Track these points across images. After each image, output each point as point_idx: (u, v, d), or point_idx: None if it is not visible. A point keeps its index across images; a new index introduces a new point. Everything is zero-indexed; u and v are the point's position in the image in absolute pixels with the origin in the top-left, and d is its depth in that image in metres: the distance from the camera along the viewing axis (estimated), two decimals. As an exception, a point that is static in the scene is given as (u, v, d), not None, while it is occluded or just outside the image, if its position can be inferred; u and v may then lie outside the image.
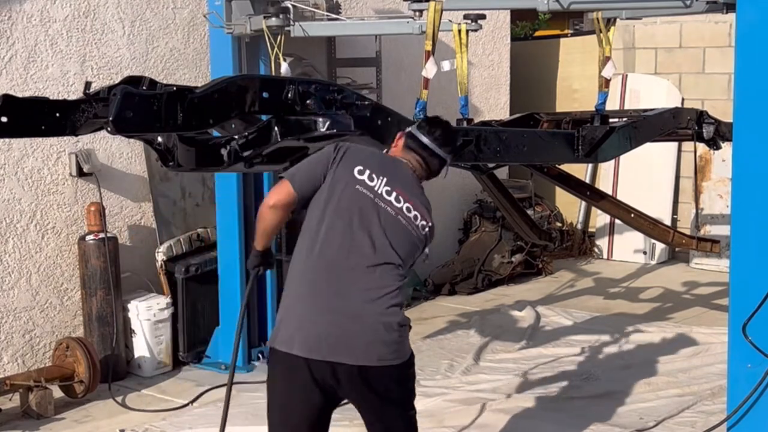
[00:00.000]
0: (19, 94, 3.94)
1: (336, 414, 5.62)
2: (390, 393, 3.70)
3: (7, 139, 5.82)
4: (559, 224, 9.71)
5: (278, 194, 3.67)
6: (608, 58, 5.74)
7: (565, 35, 11.66)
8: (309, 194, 3.68)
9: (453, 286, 8.58)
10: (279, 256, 6.92)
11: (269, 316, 6.69)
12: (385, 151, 3.96)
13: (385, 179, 3.70)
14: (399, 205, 3.70)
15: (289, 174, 3.73)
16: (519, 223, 6.43)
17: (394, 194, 3.70)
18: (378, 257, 3.63)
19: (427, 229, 3.77)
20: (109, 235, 6.27)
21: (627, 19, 6.12)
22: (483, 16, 5.25)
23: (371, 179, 3.69)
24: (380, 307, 3.61)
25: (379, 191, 3.69)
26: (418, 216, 3.73)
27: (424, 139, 3.83)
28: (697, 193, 9.16)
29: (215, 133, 4.41)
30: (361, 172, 3.69)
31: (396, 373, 3.67)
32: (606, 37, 5.71)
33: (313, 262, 3.64)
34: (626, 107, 9.39)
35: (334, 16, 6.25)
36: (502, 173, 8.77)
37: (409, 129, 3.91)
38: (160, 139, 4.06)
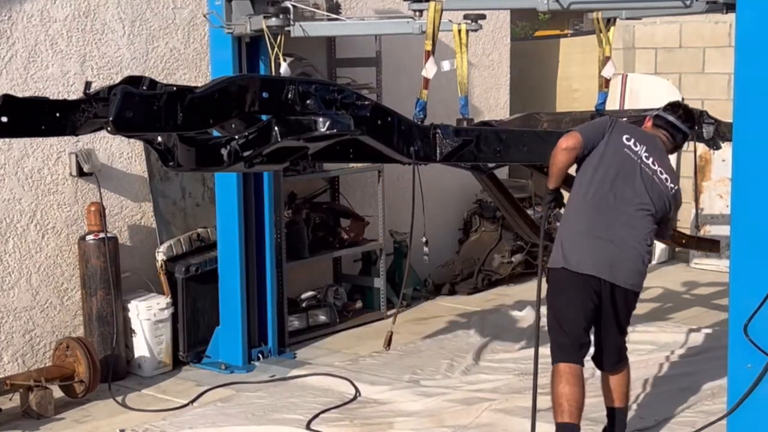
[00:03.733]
0: (19, 94, 3.94)
1: (336, 414, 5.64)
2: (621, 313, 4.76)
3: (7, 139, 5.83)
4: (559, 224, 9.70)
5: (572, 139, 4.68)
6: (608, 58, 5.74)
7: (565, 35, 11.66)
8: (590, 147, 4.70)
9: (453, 286, 8.58)
10: (279, 256, 6.94)
11: (269, 316, 6.70)
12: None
13: (645, 147, 4.73)
14: (655, 168, 4.73)
15: (578, 129, 4.80)
16: (519, 223, 6.42)
17: (651, 159, 4.74)
18: (638, 204, 4.68)
19: (674, 189, 4.80)
20: (109, 235, 6.27)
21: (627, 19, 6.13)
22: (483, 16, 5.25)
23: (635, 146, 4.72)
24: (639, 243, 4.68)
25: (641, 155, 4.71)
26: (668, 179, 4.78)
27: (671, 118, 4.91)
28: (697, 193, 9.16)
29: (215, 133, 4.41)
30: (628, 140, 4.72)
31: (632, 298, 4.77)
32: (606, 37, 5.72)
33: (587, 203, 4.70)
34: (626, 107, 9.38)
35: (334, 16, 6.25)
36: (502, 173, 8.76)
37: (656, 112, 4.96)
38: (160, 138, 4.06)
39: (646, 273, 4.81)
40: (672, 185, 4.80)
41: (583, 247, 4.68)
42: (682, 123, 4.92)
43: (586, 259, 4.65)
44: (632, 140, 4.74)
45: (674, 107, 5.00)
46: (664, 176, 4.78)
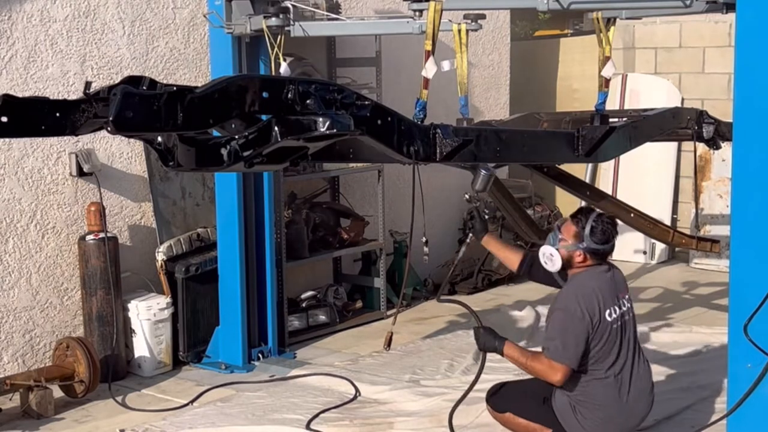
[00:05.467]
0: (19, 94, 3.94)
1: (336, 414, 5.63)
2: None
3: (7, 139, 5.83)
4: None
5: (561, 374, 4.55)
6: (608, 58, 5.73)
7: (565, 35, 11.66)
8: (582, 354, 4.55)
9: (453, 286, 8.58)
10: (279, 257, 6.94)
11: (269, 316, 6.70)
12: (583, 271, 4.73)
13: (614, 299, 4.65)
14: (628, 305, 4.73)
15: (561, 352, 4.53)
16: (519, 223, 6.42)
17: (622, 301, 4.70)
18: (639, 359, 4.71)
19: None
20: (109, 235, 6.27)
21: (627, 19, 6.12)
22: (483, 16, 5.24)
23: (614, 311, 4.62)
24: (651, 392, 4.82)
25: (621, 310, 4.66)
26: (624, 293, 4.78)
27: (599, 248, 4.67)
28: (697, 193, 9.16)
29: (215, 133, 4.41)
30: (609, 314, 4.59)
31: None
32: (606, 37, 5.71)
33: (623, 403, 4.65)
34: (626, 107, 9.39)
35: (334, 16, 6.25)
36: (502, 173, 8.77)
37: (584, 246, 4.66)
38: (160, 138, 4.06)
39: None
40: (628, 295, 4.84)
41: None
42: (611, 241, 4.72)
43: None
44: (608, 309, 4.61)
45: (594, 232, 4.68)
46: (625, 298, 4.79)
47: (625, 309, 4.70)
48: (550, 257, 4.72)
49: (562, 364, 4.53)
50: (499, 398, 4.98)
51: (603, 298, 4.62)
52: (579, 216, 4.75)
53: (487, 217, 5.28)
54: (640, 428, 5.27)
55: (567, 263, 4.72)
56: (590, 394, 4.64)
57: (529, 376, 4.88)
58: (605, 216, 4.78)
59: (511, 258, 5.26)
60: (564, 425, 4.73)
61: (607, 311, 4.60)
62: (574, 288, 4.68)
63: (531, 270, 5.19)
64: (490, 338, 4.74)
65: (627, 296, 4.79)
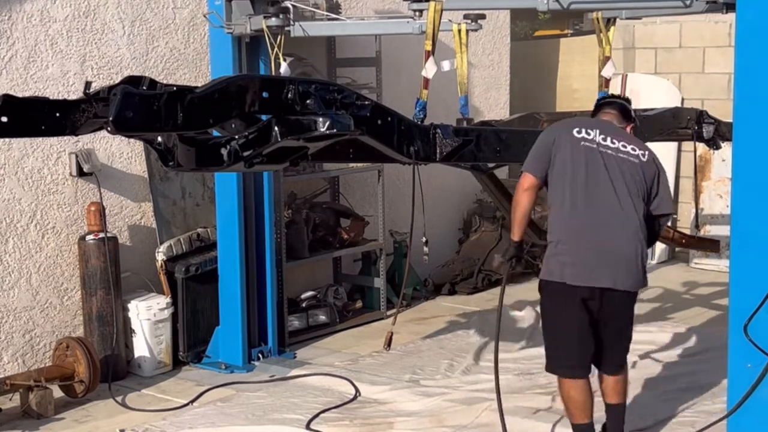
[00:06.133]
0: (19, 94, 3.95)
1: (336, 414, 5.63)
2: (622, 316, 4.78)
3: (7, 139, 5.83)
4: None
5: (526, 179, 4.62)
6: (608, 58, 5.74)
7: (565, 35, 11.66)
8: (546, 168, 4.60)
9: (453, 286, 8.58)
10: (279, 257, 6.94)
11: (269, 316, 6.70)
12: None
13: (597, 131, 4.62)
14: (615, 144, 4.59)
15: (526, 162, 4.66)
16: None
17: (608, 138, 4.60)
18: (616, 195, 4.53)
19: (645, 155, 4.64)
20: (109, 235, 6.27)
21: (627, 19, 6.12)
22: (483, 16, 5.25)
23: (588, 134, 4.59)
24: (630, 239, 4.55)
25: (597, 140, 4.58)
26: (635, 148, 4.64)
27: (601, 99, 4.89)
28: (697, 193, 9.15)
29: (215, 133, 4.41)
30: (578, 132, 4.59)
31: (632, 299, 4.73)
32: (606, 37, 5.72)
33: (568, 213, 4.56)
34: (626, 107, 9.38)
35: (334, 16, 6.25)
36: (502, 173, 8.76)
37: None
38: (160, 138, 4.06)
39: (645, 267, 4.69)
40: (641, 152, 4.64)
41: (576, 260, 4.54)
42: (616, 98, 4.95)
43: (581, 272, 4.53)
44: (583, 130, 4.61)
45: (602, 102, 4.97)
46: (629, 148, 4.63)
47: (611, 145, 4.59)
48: None
49: (524, 171, 4.65)
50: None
51: (577, 123, 4.76)
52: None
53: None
54: (640, 428, 5.29)
55: None
56: (554, 227, 4.65)
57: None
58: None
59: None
60: (548, 278, 4.65)
61: (576, 129, 4.63)
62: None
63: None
64: (504, 253, 4.89)
65: (623, 143, 4.64)
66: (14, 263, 6.13)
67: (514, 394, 5.82)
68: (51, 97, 4.97)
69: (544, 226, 8.95)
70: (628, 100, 4.99)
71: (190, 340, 6.64)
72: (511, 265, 4.79)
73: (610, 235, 4.54)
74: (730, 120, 3.92)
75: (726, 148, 6.09)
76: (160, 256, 6.54)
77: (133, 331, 6.42)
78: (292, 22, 5.85)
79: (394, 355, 6.65)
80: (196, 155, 4.10)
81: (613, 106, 4.85)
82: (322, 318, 7.42)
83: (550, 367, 4.80)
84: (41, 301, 6.26)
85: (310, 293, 7.53)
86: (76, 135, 3.89)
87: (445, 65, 5.29)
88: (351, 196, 8.11)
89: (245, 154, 4.15)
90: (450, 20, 5.18)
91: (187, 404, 5.91)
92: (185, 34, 6.97)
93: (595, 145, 4.57)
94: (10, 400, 5.71)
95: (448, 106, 6.61)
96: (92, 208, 6.26)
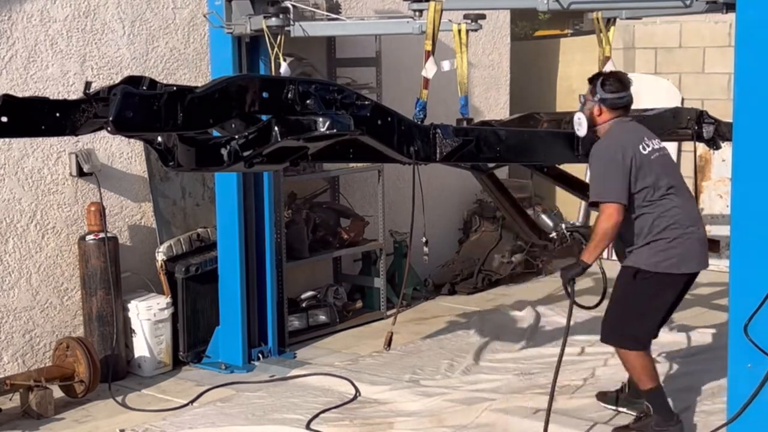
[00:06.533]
0: (19, 94, 3.95)
1: (336, 414, 5.63)
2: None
3: (7, 139, 5.83)
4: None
5: (615, 212, 4.83)
6: (608, 58, 5.74)
7: (565, 35, 11.66)
8: (629, 190, 4.87)
9: (453, 286, 8.58)
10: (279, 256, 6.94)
11: (269, 316, 6.70)
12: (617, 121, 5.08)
13: (645, 137, 5.02)
14: (659, 146, 5.04)
15: (607, 191, 4.86)
16: (519, 223, 6.42)
17: (654, 141, 5.03)
18: (684, 186, 5.09)
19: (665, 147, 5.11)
20: (109, 235, 6.27)
21: (627, 19, 6.13)
22: (483, 16, 5.25)
23: (648, 145, 4.97)
24: (702, 223, 5.16)
25: (654, 147, 4.99)
26: (660, 141, 5.11)
27: (610, 96, 5.06)
28: (697, 193, 9.15)
29: (215, 133, 4.41)
30: (644, 147, 4.95)
31: None
32: (606, 37, 5.72)
33: (676, 212, 4.94)
34: (626, 107, 9.37)
35: (334, 16, 6.25)
36: (502, 173, 8.76)
37: (599, 97, 5.04)
38: (160, 138, 4.06)
39: None
40: (663, 144, 5.14)
41: (685, 252, 5.00)
42: (624, 91, 5.13)
43: (690, 261, 5.06)
44: (645, 145, 4.97)
45: (605, 83, 5.10)
46: (661, 144, 5.10)
47: (658, 147, 5.02)
48: (578, 121, 5.14)
49: (611, 202, 4.85)
50: (613, 329, 5.13)
51: (631, 137, 4.99)
52: (593, 76, 5.20)
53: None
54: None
55: (591, 122, 5.10)
56: (660, 228, 4.94)
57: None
58: (619, 71, 5.29)
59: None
60: (658, 270, 4.99)
61: (640, 146, 4.94)
62: (604, 139, 5.05)
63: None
64: (569, 268, 4.95)
65: (656, 140, 5.08)
66: (14, 263, 6.13)
67: (514, 394, 5.82)
68: (51, 97, 4.97)
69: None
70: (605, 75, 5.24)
71: (190, 340, 6.64)
72: (572, 283, 4.92)
73: (699, 224, 5.12)
74: (730, 120, 3.92)
75: (726, 148, 6.08)
76: (160, 256, 6.54)
77: (133, 331, 6.42)
78: (292, 22, 5.85)
79: (394, 355, 6.65)
80: (196, 155, 4.10)
81: (627, 109, 5.17)
82: (322, 318, 7.42)
83: (615, 341, 5.13)
84: (41, 301, 6.26)
85: (310, 293, 7.53)
86: (76, 135, 3.89)
87: (445, 65, 5.28)
88: (351, 196, 8.11)
89: (245, 154, 4.14)
90: (450, 20, 5.18)
91: (187, 404, 5.91)
92: (185, 34, 6.98)
93: (656, 153, 4.98)
94: (10, 400, 5.71)
95: (448, 106, 6.60)
96: (92, 208, 6.26)
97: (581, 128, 5.13)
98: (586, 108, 5.11)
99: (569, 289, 4.92)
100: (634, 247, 5.00)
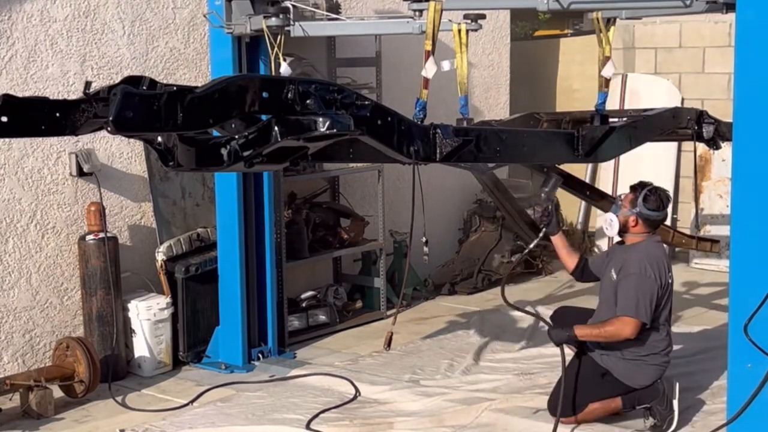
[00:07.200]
0: (19, 94, 3.94)
1: (336, 414, 5.63)
2: None
3: (7, 139, 5.82)
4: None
5: (635, 327, 5.07)
6: (608, 58, 5.73)
7: (565, 35, 11.66)
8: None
9: (453, 286, 8.58)
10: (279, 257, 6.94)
11: (269, 316, 6.70)
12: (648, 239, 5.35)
13: (669, 266, 5.35)
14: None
15: (637, 314, 5.07)
16: (519, 223, 6.42)
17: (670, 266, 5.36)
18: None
19: None
20: (109, 235, 6.27)
21: (627, 19, 6.12)
22: (483, 16, 5.24)
23: (671, 276, 5.33)
24: None
25: (671, 274, 5.34)
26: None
27: (651, 215, 5.29)
28: (697, 193, 9.15)
29: (215, 133, 4.41)
30: (670, 278, 5.28)
31: None
32: (606, 37, 5.71)
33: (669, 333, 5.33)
34: (626, 107, 9.38)
35: (334, 16, 6.25)
36: (502, 173, 8.76)
37: (637, 211, 5.27)
38: (160, 138, 4.06)
39: None
40: None
41: (657, 374, 5.31)
42: (663, 210, 5.36)
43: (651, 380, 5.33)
44: (670, 273, 5.32)
45: (647, 198, 5.29)
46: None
47: (671, 273, 5.33)
48: (609, 222, 5.33)
49: (635, 318, 5.04)
50: (566, 404, 5.19)
51: (665, 264, 5.25)
52: (637, 186, 5.35)
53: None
54: (640, 428, 5.29)
55: (623, 228, 5.30)
56: (656, 347, 5.21)
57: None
58: (661, 188, 5.37)
59: (569, 259, 5.72)
60: (631, 383, 5.23)
61: (669, 275, 5.27)
62: (642, 255, 5.21)
63: (583, 273, 5.70)
64: (560, 332, 5.14)
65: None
66: (14, 263, 6.13)
67: (514, 394, 5.82)
68: (51, 97, 4.96)
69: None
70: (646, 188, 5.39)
71: (190, 340, 6.64)
72: (561, 348, 5.12)
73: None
74: (730, 120, 3.93)
75: (726, 148, 6.08)
76: (160, 256, 6.54)
77: (133, 331, 6.42)
78: (292, 22, 5.85)
79: (394, 355, 6.65)
80: (196, 155, 4.10)
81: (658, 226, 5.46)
82: (322, 318, 7.42)
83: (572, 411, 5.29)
84: (41, 301, 6.26)
85: (310, 293, 7.53)
86: (76, 135, 3.89)
87: (445, 65, 5.28)
88: (351, 196, 8.11)
89: (245, 154, 4.14)
90: (450, 20, 5.17)
91: (187, 404, 5.91)
92: (185, 34, 6.98)
93: (671, 281, 5.34)
94: (10, 400, 5.71)
95: (448, 106, 6.60)
96: (92, 208, 6.26)
97: (611, 230, 5.34)
98: (621, 214, 5.29)
99: (562, 351, 5.13)
100: (615, 355, 5.23)
